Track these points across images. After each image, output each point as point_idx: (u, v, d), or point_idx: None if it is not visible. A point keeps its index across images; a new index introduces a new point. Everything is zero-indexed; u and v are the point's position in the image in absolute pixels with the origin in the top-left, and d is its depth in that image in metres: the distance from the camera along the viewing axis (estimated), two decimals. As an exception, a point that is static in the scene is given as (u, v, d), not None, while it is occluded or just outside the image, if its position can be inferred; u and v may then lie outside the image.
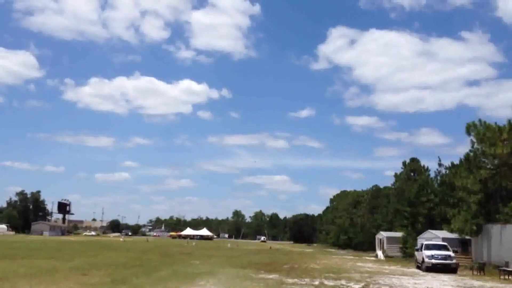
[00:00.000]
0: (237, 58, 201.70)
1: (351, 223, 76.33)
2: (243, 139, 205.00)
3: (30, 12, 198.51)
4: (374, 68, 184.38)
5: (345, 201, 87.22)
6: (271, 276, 18.79)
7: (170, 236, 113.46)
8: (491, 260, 28.37)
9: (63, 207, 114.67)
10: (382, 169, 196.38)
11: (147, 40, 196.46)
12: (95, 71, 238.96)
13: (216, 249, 50.87)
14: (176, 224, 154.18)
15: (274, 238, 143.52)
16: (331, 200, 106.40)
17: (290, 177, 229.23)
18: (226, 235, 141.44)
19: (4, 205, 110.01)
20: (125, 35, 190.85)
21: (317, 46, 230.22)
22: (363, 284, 17.38)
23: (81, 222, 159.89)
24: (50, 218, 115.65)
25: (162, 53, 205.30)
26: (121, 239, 76.01)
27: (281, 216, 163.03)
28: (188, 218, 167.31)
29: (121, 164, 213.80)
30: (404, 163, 59.07)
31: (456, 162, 40.21)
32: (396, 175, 60.45)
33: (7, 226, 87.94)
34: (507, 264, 25.04)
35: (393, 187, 62.37)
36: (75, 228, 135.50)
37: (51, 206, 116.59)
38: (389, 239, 48.75)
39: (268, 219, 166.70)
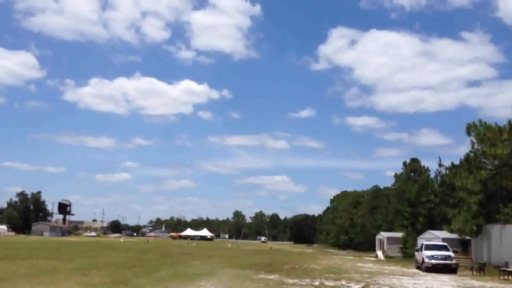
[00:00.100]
0: (237, 58, 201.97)
1: (351, 224, 76.32)
2: (243, 139, 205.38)
3: (31, 13, 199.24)
4: (374, 68, 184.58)
5: (345, 202, 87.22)
6: (271, 277, 18.82)
7: (171, 236, 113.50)
8: (491, 261, 28.39)
9: (64, 208, 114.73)
10: (383, 170, 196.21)
11: (147, 41, 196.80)
12: (96, 72, 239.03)
13: (216, 249, 50.90)
14: (176, 225, 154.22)
15: (274, 238, 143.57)
16: (331, 201, 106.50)
17: (291, 177, 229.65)
18: (227, 236, 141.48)
19: (5, 205, 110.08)
20: (126, 36, 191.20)
21: (318, 46, 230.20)
22: (363, 284, 17.41)
23: (82, 222, 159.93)
24: (50, 219, 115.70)
25: (163, 53, 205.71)
26: (121, 240, 76.09)
27: (282, 217, 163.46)
28: (189, 218, 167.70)
29: (121, 165, 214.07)
30: (404, 164, 59.09)
31: (457, 162, 40.30)
32: (396, 176, 60.46)
33: (7, 226, 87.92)
34: (507, 265, 25.06)
35: (393, 187, 62.39)
36: (75, 228, 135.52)
37: (52, 206, 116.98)
38: (389, 239, 48.76)
39: (268, 219, 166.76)
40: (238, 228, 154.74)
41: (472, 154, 32.84)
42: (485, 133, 31.04)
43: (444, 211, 38.67)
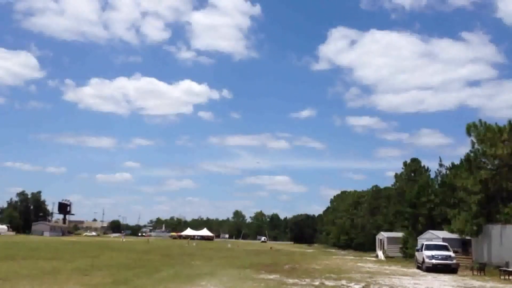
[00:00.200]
0: (237, 58, 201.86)
1: (351, 224, 76.36)
2: (244, 139, 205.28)
3: (31, 13, 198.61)
4: (375, 68, 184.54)
5: (345, 202, 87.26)
6: (271, 277, 18.85)
7: (171, 236, 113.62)
8: (492, 261, 28.40)
9: (64, 208, 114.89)
10: (383, 170, 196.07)
11: (148, 41, 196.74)
12: (96, 72, 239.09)
13: (216, 249, 50.93)
14: (176, 225, 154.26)
15: (274, 238, 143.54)
16: (331, 201, 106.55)
17: (291, 177, 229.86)
18: (227, 236, 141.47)
19: (5, 205, 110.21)
20: (126, 36, 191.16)
21: (318, 46, 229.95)
22: (363, 284, 17.43)
23: (82, 222, 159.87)
24: (50, 219, 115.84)
25: (163, 53, 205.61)
26: (122, 239, 76.15)
27: (282, 217, 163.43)
28: (189, 218, 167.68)
29: (122, 165, 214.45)
30: (404, 164, 59.17)
31: (457, 162, 40.31)
32: (396, 176, 60.54)
33: (7, 226, 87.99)
34: (507, 264, 25.08)
35: (393, 187, 62.46)
36: (75, 228, 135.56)
37: (52, 206, 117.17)
38: (390, 239, 48.78)
39: (268, 219, 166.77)
40: (238, 228, 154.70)
41: (472, 154, 32.84)
42: (485, 133, 31.04)
43: (444, 211, 38.68)
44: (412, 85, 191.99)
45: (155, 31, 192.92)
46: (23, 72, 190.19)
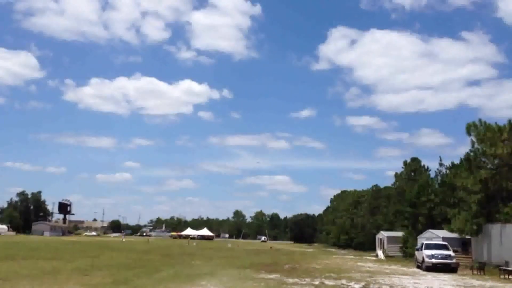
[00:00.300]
0: (237, 58, 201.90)
1: (351, 223, 76.38)
2: (244, 139, 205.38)
3: (31, 13, 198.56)
4: (375, 68, 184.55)
5: (345, 201, 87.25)
6: (272, 276, 18.86)
7: (171, 236, 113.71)
8: (491, 260, 28.42)
9: (64, 208, 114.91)
10: (383, 170, 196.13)
11: (148, 41, 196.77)
12: (96, 72, 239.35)
13: (217, 249, 50.96)
14: (177, 225, 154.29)
15: (274, 238, 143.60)
16: (332, 200, 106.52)
17: (291, 177, 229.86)
18: (227, 235, 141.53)
19: (5, 205, 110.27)
20: (126, 36, 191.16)
21: (318, 46, 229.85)
22: (363, 283, 17.45)
23: (82, 222, 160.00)
24: (50, 219, 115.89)
25: (163, 53, 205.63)
26: (122, 239, 76.18)
27: (282, 216, 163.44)
28: (189, 218, 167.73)
29: (122, 165, 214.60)
30: (405, 163, 59.18)
31: (457, 162, 40.32)
32: (396, 175, 60.55)
33: (8, 226, 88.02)
34: (507, 264, 25.10)
35: (393, 187, 62.47)
36: (75, 228, 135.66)
37: (52, 206, 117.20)
38: (390, 238, 48.81)
39: (268, 219, 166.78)
40: (238, 227, 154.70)
41: (472, 154, 32.86)
42: (485, 133, 31.04)
43: (444, 211, 38.70)
44: (412, 85, 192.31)
45: (155, 31, 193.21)
46: (23, 72, 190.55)
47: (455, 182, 35.78)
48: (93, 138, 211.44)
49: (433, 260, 26.12)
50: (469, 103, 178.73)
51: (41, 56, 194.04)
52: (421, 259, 27.45)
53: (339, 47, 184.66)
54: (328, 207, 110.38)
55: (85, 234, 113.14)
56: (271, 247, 64.44)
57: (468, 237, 33.24)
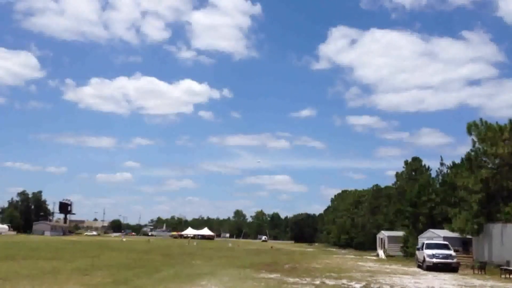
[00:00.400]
0: (238, 58, 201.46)
1: (352, 223, 76.33)
2: (244, 139, 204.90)
3: (31, 13, 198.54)
4: (375, 68, 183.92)
5: (346, 201, 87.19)
6: (272, 276, 18.84)
7: (172, 236, 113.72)
8: (492, 259, 28.40)
9: (65, 207, 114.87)
10: (384, 169, 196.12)
11: (148, 41, 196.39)
12: (96, 72, 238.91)
13: (217, 249, 50.94)
14: (177, 224, 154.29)
15: (275, 238, 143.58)
16: (332, 200, 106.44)
17: (291, 177, 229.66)
18: (227, 235, 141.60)
19: (6, 205, 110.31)
20: (126, 36, 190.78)
21: (318, 46, 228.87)
22: (364, 283, 17.42)
23: (82, 222, 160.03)
24: (51, 218, 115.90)
25: (163, 53, 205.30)
26: (122, 239, 76.21)
27: (282, 216, 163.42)
28: (189, 218, 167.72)
29: (122, 165, 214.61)
30: (405, 163, 59.13)
31: (458, 161, 40.30)
32: (397, 175, 60.51)
33: (8, 226, 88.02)
34: (508, 263, 25.09)
35: (394, 186, 62.43)
36: (76, 228, 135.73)
37: (53, 206, 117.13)
38: (390, 238, 48.78)
39: (269, 219, 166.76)
40: (238, 227, 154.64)
41: (473, 154, 32.84)
42: (486, 132, 31.03)
43: (445, 210, 38.68)
44: (412, 85, 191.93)
45: (155, 31, 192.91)
46: (23, 72, 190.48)
47: (456, 182, 35.74)
48: (93, 138, 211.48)
49: (434, 260, 26.10)
50: (469, 102, 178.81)
51: (41, 56, 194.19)
52: (422, 258, 27.43)
53: (339, 46, 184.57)
54: (328, 207, 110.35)
55: (85, 234, 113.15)
56: (271, 247, 64.42)
57: (469, 236, 33.23)
